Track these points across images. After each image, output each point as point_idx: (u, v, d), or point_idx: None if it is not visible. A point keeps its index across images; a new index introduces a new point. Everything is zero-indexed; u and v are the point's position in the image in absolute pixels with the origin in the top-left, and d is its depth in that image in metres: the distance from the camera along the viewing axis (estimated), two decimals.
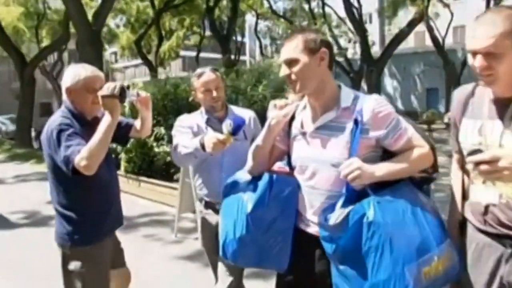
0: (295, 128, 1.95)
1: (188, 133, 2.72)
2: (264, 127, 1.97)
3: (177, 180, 7.04)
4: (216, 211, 2.71)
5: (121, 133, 2.55)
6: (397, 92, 31.84)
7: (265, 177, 1.90)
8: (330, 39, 25.30)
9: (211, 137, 2.36)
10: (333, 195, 1.80)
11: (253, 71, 8.68)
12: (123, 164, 8.08)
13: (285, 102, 1.98)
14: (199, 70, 2.81)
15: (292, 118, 1.97)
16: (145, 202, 7.49)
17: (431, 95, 29.28)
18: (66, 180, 2.25)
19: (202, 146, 2.41)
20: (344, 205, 1.71)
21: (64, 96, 2.35)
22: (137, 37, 22.41)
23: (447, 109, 26.73)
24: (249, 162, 2.03)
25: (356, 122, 1.76)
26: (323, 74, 1.83)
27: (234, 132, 2.30)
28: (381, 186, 1.74)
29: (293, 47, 1.81)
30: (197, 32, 31.57)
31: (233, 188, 2.05)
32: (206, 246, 2.96)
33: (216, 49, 41.30)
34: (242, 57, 34.21)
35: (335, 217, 1.69)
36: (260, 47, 31.53)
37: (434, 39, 22.86)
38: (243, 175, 2.07)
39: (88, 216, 2.35)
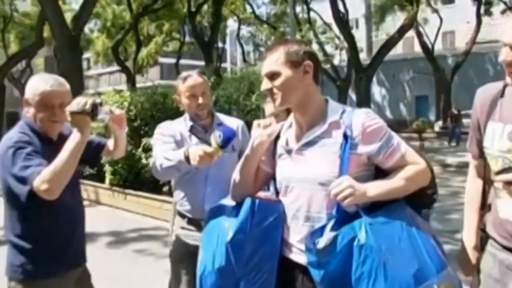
0: (280, 147, 1.90)
1: (170, 142, 2.61)
2: (247, 148, 1.93)
3: (166, 193, 7.15)
4: (200, 229, 2.60)
5: (90, 154, 2.43)
6: (385, 100, 32.44)
7: (247, 202, 1.83)
8: (316, 46, 25.85)
9: (197, 149, 2.24)
10: (322, 217, 1.73)
11: (244, 78, 8.84)
12: (108, 176, 8.16)
13: (270, 121, 1.96)
14: (184, 73, 2.70)
15: (277, 137, 1.92)
16: (132, 216, 7.53)
17: (421, 103, 29.91)
18: (22, 205, 2.09)
19: (187, 159, 2.30)
20: (335, 228, 1.62)
21: (24, 110, 2.21)
22: (114, 43, 22.41)
23: (438, 118, 27.44)
24: (233, 187, 1.98)
25: (345, 137, 1.72)
26: (307, 87, 1.79)
27: (224, 144, 2.17)
28: (374, 207, 1.67)
29: (274, 60, 1.77)
30: (176, 38, 31.77)
31: (216, 213, 2.00)
32: (176, 271, 2.78)
33: (196, 56, 41.54)
34: (223, 64, 34.55)
35: (324, 241, 1.61)
36: (243, 53, 31.87)
37: (423, 45, 23.47)
38: (226, 201, 2.03)
39: (47, 246, 2.19)
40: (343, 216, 1.65)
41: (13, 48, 26.75)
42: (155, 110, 8.07)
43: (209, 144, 2.34)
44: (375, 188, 1.69)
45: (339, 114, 1.78)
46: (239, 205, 1.88)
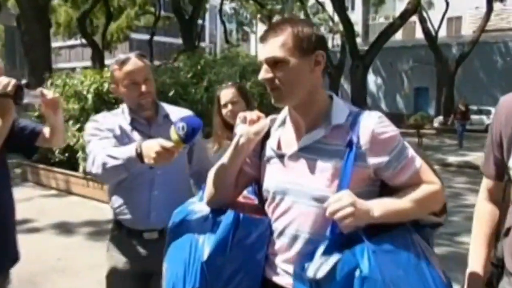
0: (270, 149, 1.78)
1: (109, 137, 2.44)
2: (230, 146, 1.80)
3: None
4: (143, 244, 2.56)
5: (23, 142, 2.44)
6: (381, 91, 33.02)
7: (229, 216, 1.70)
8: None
9: (152, 144, 2.05)
10: (313, 238, 1.63)
11: (228, 61, 9.19)
12: (81, 164, 8.35)
13: (258, 114, 1.81)
14: (121, 56, 2.50)
15: (266, 135, 1.80)
16: (109, 207, 7.78)
17: (420, 96, 30.54)
18: None
19: (139, 156, 2.11)
20: (327, 251, 1.52)
21: None
22: (80, 14, 22.37)
23: (438, 112, 28.04)
24: (209, 190, 1.84)
25: (350, 144, 1.61)
26: (315, 82, 1.67)
27: (188, 138, 1.96)
28: (376, 229, 1.56)
29: (279, 44, 1.61)
30: (150, 12, 31.76)
31: (183, 224, 1.84)
32: None
33: (170, 33, 41.62)
34: (201, 44, 34.62)
35: (314, 267, 1.51)
36: (225, 32, 32.00)
37: (426, 31, 23.93)
38: (197, 206, 1.87)
39: None
40: (338, 238, 1.54)
41: None
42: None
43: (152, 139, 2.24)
44: (380, 209, 1.57)
45: (345, 116, 1.67)
46: (215, 213, 1.77)
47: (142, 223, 2.52)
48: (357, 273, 1.46)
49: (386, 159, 1.62)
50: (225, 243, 1.69)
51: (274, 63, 1.63)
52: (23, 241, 2.60)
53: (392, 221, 1.60)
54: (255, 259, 1.74)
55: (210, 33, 46.82)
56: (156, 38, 32.94)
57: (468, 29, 30.11)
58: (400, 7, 27.05)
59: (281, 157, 1.74)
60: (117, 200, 2.58)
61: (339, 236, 1.54)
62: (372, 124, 1.63)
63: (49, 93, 2.29)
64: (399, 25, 18.74)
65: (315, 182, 1.64)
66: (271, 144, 1.78)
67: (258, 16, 32.27)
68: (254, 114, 1.81)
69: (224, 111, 3.22)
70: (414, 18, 25.04)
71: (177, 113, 2.61)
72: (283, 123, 1.80)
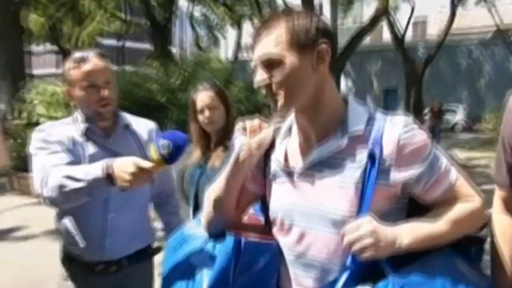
0: (276, 163, 1.55)
1: (60, 151, 2.09)
2: (229, 163, 1.57)
3: None
4: (99, 280, 2.23)
5: None
6: (351, 92, 33.38)
7: (228, 242, 1.50)
8: None
9: (126, 163, 1.76)
10: (331, 267, 1.42)
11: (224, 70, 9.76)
12: None
13: (259, 122, 1.57)
14: (77, 55, 2.16)
15: (270, 147, 1.58)
16: None
17: (389, 96, 31.52)
18: None
19: (109, 177, 1.81)
20: (348, 283, 1.34)
21: None
22: (52, 22, 22.63)
23: (408, 112, 28.84)
24: (206, 213, 1.62)
25: (372, 157, 1.38)
26: (321, 82, 1.44)
27: (171, 158, 1.72)
28: (403, 257, 1.34)
29: (273, 41, 1.40)
30: (119, 18, 32.03)
31: (179, 253, 1.65)
32: None
33: (140, 39, 41.86)
34: (171, 49, 35.07)
35: None
36: (196, 37, 32.48)
37: (394, 35, 24.86)
38: (195, 231, 1.68)
39: None
40: (360, 268, 1.33)
41: None
42: (124, 100, 8.83)
43: (111, 153, 2.05)
44: (410, 235, 1.34)
45: (364, 122, 1.43)
46: (215, 238, 1.58)
47: (95, 253, 2.19)
48: None
49: (415, 174, 1.38)
50: (226, 274, 1.47)
51: (269, 64, 1.40)
52: (19, 249, 2.69)
53: (424, 248, 1.36)
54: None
55: (179, 38, 47.16)
56: (127, 44, 33.28)
57: (433, 32, 31.21)
58: (367, 11, 27.98)
59: (289, 174, 1.50)
60: (65, 227, 2.22)
61: (362, 266, 1.32)
62: (398, 132, 1.39)
63: None
64: (370, 29, 19.51)
65: (331, 204, 1.40)
66: (277, 158, 1.54)
67: (228, 21, 32.79)
68: (255, 122, 1.56)
69: (200, 117, 2.85)
70: (382, 21, 26.00)
71: (139, 123, 2.36)
72: (289, 132, 1.57)
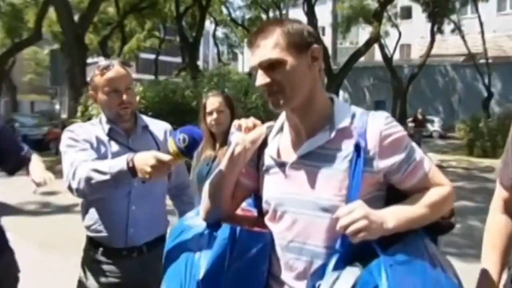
0: (269, 158, 1.48)
1: (88, 149, 2.04)
2: (225, 157, 1.50)
3: None
4: (121, 264, 2.15)
5: (13, 162, 2.30)
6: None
7: (225, 230, 1.43)
8: None
9: (147, 157, 1.68)
10: (321, 251, 1.35)
11: (243, 80, 10.09)
12: None
13: (253, 121, 1.51)
14: (103, 63, 2.10)
15: (263, 144, 1.50)
16: None
17: (379, 108, 31.70)
18: None
19: (131, 170, 1.73)
20: (338, 266, 1.27)
21: None
22: (101, 38, 23.15)
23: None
24: (204, 204, 1.54)
25: (357, 149, 1.34)
26: (314, 80, 1.39)
27: (189, 151, 1.65)
28: (387, 237, 1.29)
29: (272, 44, 1.34)
30: (155, 36, 32.53)
31: (180, 240, 1.57)
32: None
33: (171, 53, 42.39)
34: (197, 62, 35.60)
35: (327, 286, 1.25)
36: (218, 53, 32.93)
37: (384, 55, 25.14)
38: (194, 221, 1.60)
39: None
40: (349, 251, 1.28)
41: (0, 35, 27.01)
42: (164, 103, 9.24)
43: (132, 151, 1.95)
44: (394, 219, 1.30)
45: (349, 118, 1.38)
46: (211, 228, 1.50)
47: (120, 241, 2.12)
48: None
49: (396, 162, 1.34)
50: (222, 260, 1.41)
51: (270, 66, 1.34)
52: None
53: (406, 229, 1.32)
54: (256, 276, 1.43)
55: (204, 53, 47.57)
56: (160, 57, 33.78)
57: (416, 54, 31.48)
58: (363, 34, 28.33)
59: (281, 166, 1.43)
60: (91, 216, 2.15)
61: (350, 248, 1.27)
62: (380, 125, 1.35)
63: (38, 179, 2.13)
64: (364, 51, 19.89)
65: (321, 191, 1.35)
66: (269, 153, 1.47)
67: (245, 40, 33.18)
68: (250, 121, 1.50)
69: (208, 119, 2.82)
70: (374, 44, 26.29)
71: (155, 124, 2.29)
72: (281, 129, 1.50)
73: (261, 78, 1.35)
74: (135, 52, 31.69)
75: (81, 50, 12.95)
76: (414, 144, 1.40)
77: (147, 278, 2.14)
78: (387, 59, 25.68)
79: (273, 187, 1.45)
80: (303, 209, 1.37)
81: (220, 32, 35.97)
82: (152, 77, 28.36)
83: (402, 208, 1.34)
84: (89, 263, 2.20)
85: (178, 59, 32.02)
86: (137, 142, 2.14)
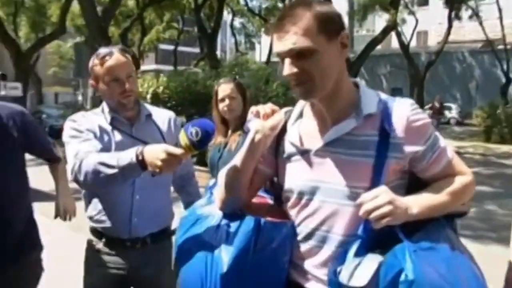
0: (290, 145, 1.42)
1: (91, 139, 1.95)
2: (244, 144, 1.44)
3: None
4: (125, 254, 2.09)
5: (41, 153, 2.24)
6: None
7: (249, 223, 1.37)
8: None
9: (157, 150, 1.60)
10: (346, 239, 1.31)
11: (262, 69, 10.27)
12: None
13: (271, 107, 1.45)
14: (102, 50, 2.02)
15: (282, 130, 1.45)
16: None
17: (396, 95, 30.83)
18: None
19: (141, 163, 1.64)
20: (360, 252, 1.24)
21: None
22: (122, 31, 23.48)
23: None
24: (221, 193, 1.47)
25: (383, 134, 1.30)
26: (342, 68, 1.33)
27: (201, 145, 1.57)
28: (409, 225, 1.26)
29: (302, 31, 1.23)
30: (174, 27, 32.80)
31: (193, 232, 1.47)
32: None
33: (189, 44, 42.67)
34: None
35: (348, 271, 1.21)
36: (235, 43, 33.06)
37: (401, 43, 24.99)
38: (206, 210, 1.51)
39: None
40: (370, 237, 1.25)
41: (24, 30, 27.57)
42: (187, 93, 9.50)
43: (137, 141, 1.93)
44: (418, 205, 1.27)
45: (375, 104, 1.33)
46: (228, 218, 1.42)
47: (123, 231, 2.07)
48: (402, 277, 1.15)
49: (422, 149, 1.31)
50: (245, 253, 1.36)
51: (299, 54, 1.25)
52: None
53: (429, 216, 1.29)
54: (278, 266, 1.40)
55: (221, 43, 47.71)
56: (179, 48, 34.08)
57: (433, 41, 31.18)
58: (379, 22, 28.15)
59: (304, 153, 1.38)
60: (95, 207, 2.10)
61: (372, 234, 1.25)
62: (406, 111, 1.31)
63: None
64: (381, 39, 19.79)
65: (347, 179, 1.31)
66: (291, 139, 1.42)
67: (262, 29, 33.23)
68: (268, 107, 1.45)
69: (220, 105, 2.78)
70: (391, 31, 26.14)
71: (159, 113, 2.23)
72: (301, 115, 1.44)
73: (289, 68, 1.28)
74: (155, 44, 32.02)
75: (104, 42, 13.18)
76: (437, 132, 1.37)
77: (150, 270, 2.12)
78: (404, 46, 25.51)
79: (296, 174, 1.40)
80: (328, 197, 1.34)
81: (237, 22, 36.07)
82: (171, 67, 28.68)
83: (426, 195, 1.32)
84: (92, 254, 2.15)
85: (196, 49, 32.32)
86: (141, 131, 2.09)
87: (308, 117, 1.43)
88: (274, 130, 1.42)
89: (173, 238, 2.25)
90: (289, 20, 1.25)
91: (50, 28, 25.33)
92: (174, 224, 2.02)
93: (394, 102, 1.35)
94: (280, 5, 29.69)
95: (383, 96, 1.38)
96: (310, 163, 1.38)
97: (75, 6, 19.20)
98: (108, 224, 2.08)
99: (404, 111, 1.32)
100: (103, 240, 2.12)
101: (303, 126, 1.43)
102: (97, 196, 2.08)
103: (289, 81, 1.33)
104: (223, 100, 2.79)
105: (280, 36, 1.27)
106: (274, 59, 32.23)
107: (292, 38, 1.25)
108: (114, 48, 2.03)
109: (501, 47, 25.88)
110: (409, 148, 1.31)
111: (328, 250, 1.34)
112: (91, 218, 2.12)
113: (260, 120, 1.41)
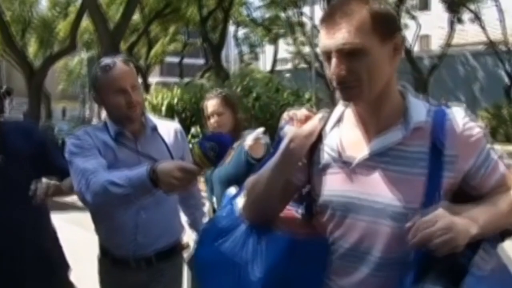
0: (327, 155, 1.29)
1: (97, 156, 1.86)
2: (278, 153, 1.30)
3: None
4: (131, 273, 2.03)
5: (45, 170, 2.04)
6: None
7: (281, 237, 1.28)
8: (309, 49, 27.38)
9: (171, 168, 1.54)
10: (385, 261, 1.20)
11: (271, 78, 10.55)
12: None
13: (305, 113, 1.34)
14: (105, 61, 1.92)
15: (317, 138, 1.32)
16: None
17: None
18: None
19: (154, 182, 1.56)
20: (416, 281, 1.10)
21: None
22: (129, 45, 23.88)
23: None
24: (249, 206, 1.36)
25: (435, 148, 1.17)
26: (391, 73, 1.21)
27: (218, 160, 1.52)
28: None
29: (355, 27, 1.12)
30: (178, 40, 33.21)
31: (216, 247, 1.34)
32: None
33: (194, 55, 43.11)
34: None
35: None
36: (240, 54, 33.41)
37: (405, 48, 25.23)
38: (229, 222, 1.38)
39: None
40: (423, 262, 1.10)
41: (33, 47, 28.01)
42: (201, 104, 9.73)
43: (143, 157, 1.87)
44: (475, 224, 1.12)
45: (424, 113, 1.21)
46: (257, 232, 1.31)
47: (128, 250, 2.00)
48: None
49: (477, 163, 1.19)
50: (278, 271, 1.26)
51: (348, 53, 1.14)
52: None
53: (485, 235, 1.16)
54: (314, 285, 1.30)
55: (226, 54, 48.07)
56: (185, 60, 34.53)
57: (436, 45, 31.40)
58: None
59: (344, 165, 1.26)
60: (101, 224, 2.05)
61: (424, 258, 1.10)
62: (460, 123, 1.19)
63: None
64: None
65: (391, 197, 1.18)
66: (328, 149, 1.30)
67: (266, 39, 33.54)
68: (302, 113, 1.34)
69: (209, 122, 2.70)
70: None
71: (164, 125, 2.13)
72: (339, 122, 1.32)
73: (337, 67, 1.15)
74: (161, 57, 32.43)
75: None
76: (489, 144, 1.24)
77: None
78: (407, 50, 25.77)
79: (333, 187, 1.27)
80: (368, 214, 1.21)
81: (240, 33, 36.42)
82: (176, 79, 29.03)
83: (479, 210, 1.17)
84: (102, 274, 2.14)
85: (200, 61, 32.69)
86: (146, 146, 1.99)
87: (348, 124, 1.30)
88: (310, 138, 1.29)
89: (185, 253, 2.22)
90: (341, 16, 1.14)
91: (57, 44, 25.75)
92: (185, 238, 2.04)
93: (445, 112, 1.22)
94: (282, 14, 30.12)
95: (432, 104, 1.25)
96: (350, 176, 1.25)
97: (82, 22, 19.57)
98: (112, 242, 2.04)
99: (457, 123, 1.20)
100: (109, 258, 2.08)
101: (342, 134, 1.29)
102: (102, 213, 2.00)
103: (331, 82, 1.20)
104: (210, 117, 2.70)
105: (330, 32, 1.15)
106: (278, 67, 32.54)
107: (343, 35, 1.13)
108: (116, 57, 1.95)
109: (503, 48, 26.13)
110: (464, 164, 1.19)
111: (364, 274, 1.22)
112: (99, 235, 2.09)
113: (294, 128, 1.30)
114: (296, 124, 1.31)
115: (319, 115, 1.35)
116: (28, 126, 2.03)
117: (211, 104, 2.71)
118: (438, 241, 1.05)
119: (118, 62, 1.90)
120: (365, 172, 1.22)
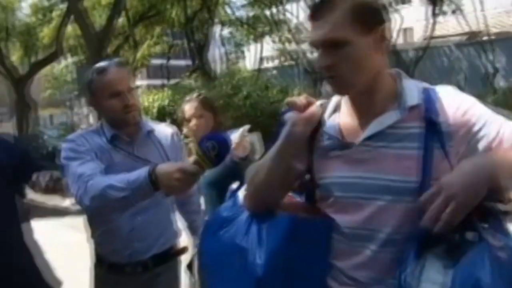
0: (328, 139, 1.33)
1: (93, 160, 1.85)
2: (280, 139, 1.33)
3: None
4: (127, 280, 2.00)
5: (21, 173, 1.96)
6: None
7: (283, 220, 1.29)
8: (294, 44, 27.47)
9: (171, 169, 1.53)
10: (391, 238, 1.21)
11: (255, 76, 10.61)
12: None
13: (307, 99, 1.36)
14: (99, 65, 1.93)
15: (318, 123, 1.35)
16: None
17: None
18: None
19: (154, 184, 1.55)
20: (419, 254, 1.10)
21: None
22: (114, 49, 23.80)
23: None
24: (251, 194, 1.38)
25: (430, 125, 1.21)
26: (381, 62, 1.26)
27: (219, 160, 1.51)
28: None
29: (339, 20, 1.18)
30: (163, 41, 33.12)
31: (220, 237, 1.36)
32: None
33: (179, 57, 43.03)
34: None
35: (415, 280, 1.07)
36: (226, 53, 33.42)
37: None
38: (231, 212, 1.40)
39: None
40: (426, 236, 1.11)
41: (16, 55, 27.75)
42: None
43: (139, 160, 1.86)
44: (498, 161, 1.13)
45: (418, 94, 1.26)
46: (259, 218, 1.32)
47: (123, 255, 1.98)
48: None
49: (476, 128, 1.21)
50: (281, 254, 1.26)
51: (332, 45, 1.19)
52: None
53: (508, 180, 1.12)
54: (318, 267, 1.30)
55: (212, 54, 48.01)
56: (170, 62, 34.51)
57: (419, 37, 31.73)
58: None
59: (344, 148, 1.29)
60: (96, 229, 2.04)
61: (427, 233, 1.10)
62: (451, 96, 1.26)
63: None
64: None
65: (392, 174, 1.22)
66: (329, 134, 1.33)
67: (251, 36, 33.52)
68: (303, 98, 1.36)
69: (190, 125, 2.71)
70: None
71: (160, 128, 2.12)
72: (337, 108, 1.36)
73: (322, 59, 1.23)
74: (147, 59, 32.33)
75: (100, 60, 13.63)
76: (490, 111, 1.26)
77: None
78: (391, 43, 26.01)
79: (335, 171, 1.30)
80: (372, 194, 1.24)
81: (225, 32, 36.40)
82: (162, 81, 28.96)
83: (504, 153, 1.16)
84: (96, 281, 2.10)
85: (184, 62, 32.74)
86: (142, 150, 1.99)
87: (345, 111, 1.35)
88: (312, 122, 1.32)
89: (181, 256, 2.23)
90: (325, 9, 1.21)
91: (42, 50, 25.56)
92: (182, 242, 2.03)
93: (435, 90, 1.29)
94: (267, 12, 30.14)
95: (425, 85, 1.32)
96: (351, 158, 1.29)
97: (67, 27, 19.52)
98: (108, 248, 2.02)
99: (449, 98, 1.27)
100: (104, 265, 2.06)
101: (341, 120, 1.34)
102: (97, 218, 1.98)
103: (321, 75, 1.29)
104: (189, 120, 2.71)
105: (315, 25, 1.23)
106: (264, 65, 32.58)
107: (327, 26, 1.20)
108: (110, 61, 1.97)
109: (485, 38, 26.49)
110: (462, 132, 1.22)
111: (371, 251, 1.24)
112: (95, 241, 2.07)
113: (296, 113, 1.32)
114: (298, 109, 1.33)
115: (319, 101, 1.39)
116: (5, 139, 1.99)
117: (189, 107, 2.72)
118: (446, 213, 1.07)
119: (113, 65, 1.93)
120: (366, 153, 1.27)
